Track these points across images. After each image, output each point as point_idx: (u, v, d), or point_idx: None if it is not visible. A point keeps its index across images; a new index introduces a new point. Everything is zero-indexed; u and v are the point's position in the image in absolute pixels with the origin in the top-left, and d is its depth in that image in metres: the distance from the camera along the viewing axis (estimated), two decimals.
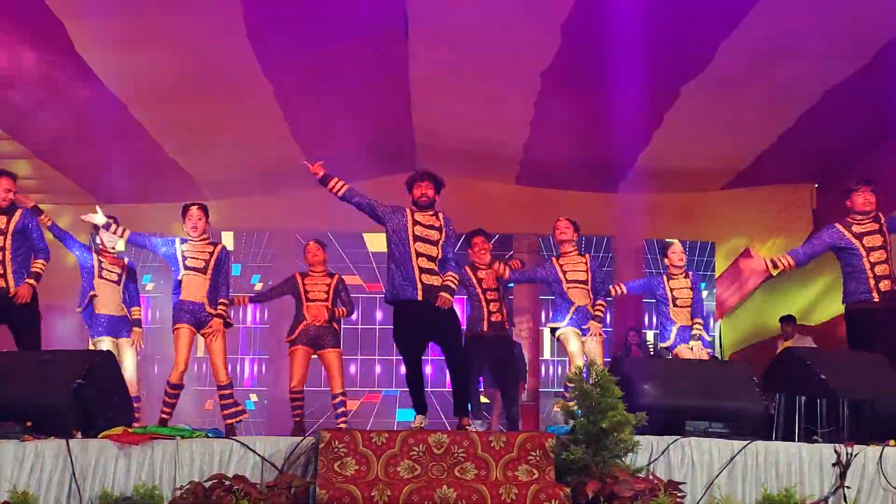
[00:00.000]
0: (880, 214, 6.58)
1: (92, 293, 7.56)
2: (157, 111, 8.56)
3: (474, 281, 7.68)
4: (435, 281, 6.32)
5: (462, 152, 10.87)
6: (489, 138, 10.26)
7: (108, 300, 7.58)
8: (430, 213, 6.48)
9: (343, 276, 8.07)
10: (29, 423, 5.29)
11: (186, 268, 6.99)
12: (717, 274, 11.22)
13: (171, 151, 9.49)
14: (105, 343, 7.47)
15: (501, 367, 7.80)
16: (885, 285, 6.46)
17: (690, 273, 7.84)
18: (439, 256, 6.39)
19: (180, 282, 7.00)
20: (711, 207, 11.26)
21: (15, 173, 6.73)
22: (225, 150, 9.76)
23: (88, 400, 5.49)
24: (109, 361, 5.96)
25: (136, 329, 7.69)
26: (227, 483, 4.85)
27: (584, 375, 5.27)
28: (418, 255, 6.33)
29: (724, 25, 7.24)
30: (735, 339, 10.98)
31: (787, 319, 10.18)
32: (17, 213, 6.63)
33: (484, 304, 7.64)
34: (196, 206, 7.07)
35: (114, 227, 7.09)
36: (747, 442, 5.23)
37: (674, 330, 7.65)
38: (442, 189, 6.52)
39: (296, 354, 7.72)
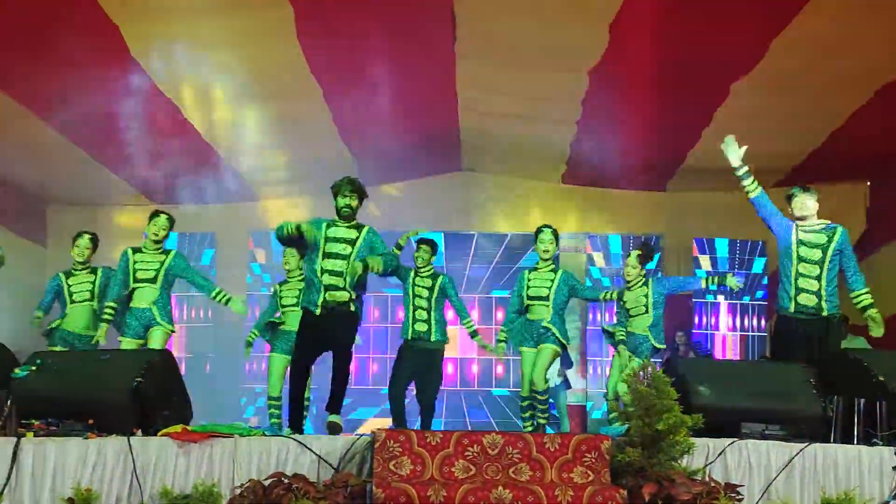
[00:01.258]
0: None
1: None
2: (208, 113, 8.65)
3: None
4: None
5: (509, 151, 10.88)
6: (536, 137, 10.25)
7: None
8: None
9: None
10: (90, 421, 5.41)
11: None
12: (768, 273, 11.10)
13: (223, 152, 9.58)
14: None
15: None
16: None
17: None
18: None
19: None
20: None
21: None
22: (273, 152, 9.84)
23: (147, 398, 5.59)
24: (168, 360, 6.05)
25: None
26: (286, 481, 4.91)
27: (640, 377, 5.26)
28: None
29: (776, 22, 7.16)
30: None
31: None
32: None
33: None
34: None
35: None
36: (805, 444, 5.19)
37: None
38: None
39: None
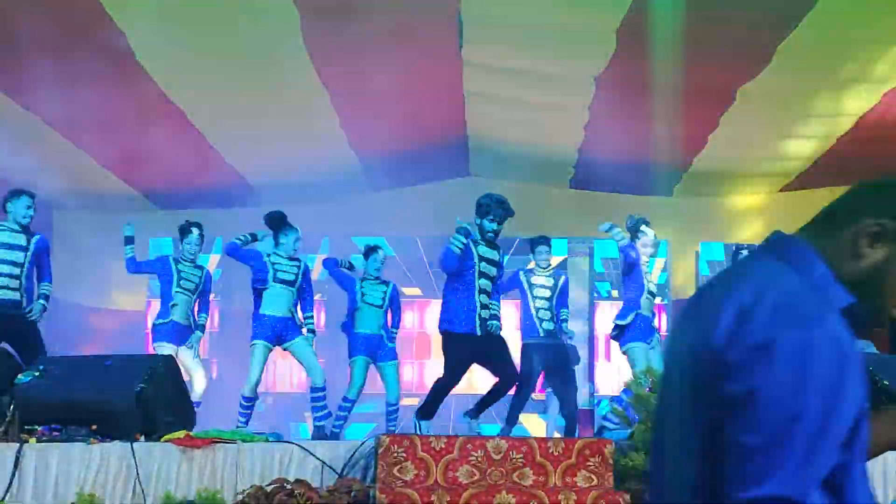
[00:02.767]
0: None
1: (172, 303, 7.78)
2: (215, 118, 8.66)
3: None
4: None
5: (516, 157, 10.87)
6: (543, 143, 10.24)
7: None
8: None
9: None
10: (94, 427, 5.41)
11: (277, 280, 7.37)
12: None
13: (229, 158, 9.60)
14: (168, 349, 7.60)
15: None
16: None
17: None
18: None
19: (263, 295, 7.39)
20: (769, 210, 11.13)
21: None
22: (282, 159, 9.86)
23: (150, 404, 5.59)
24: (170, 366, 6.06)
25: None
26: (289, 487, 4.90)
27: (642, 382, 5.25)
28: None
29: (781, 27, 7.14)
30: None
31: None
32: (36, 238, 7.11)
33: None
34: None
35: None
36: None
37: None
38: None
39: (355, 362, 7.86)
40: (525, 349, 7.94)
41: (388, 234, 10.81)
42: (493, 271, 6.79)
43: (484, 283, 6.70)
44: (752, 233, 10.98)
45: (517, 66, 8.39)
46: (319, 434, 7.17)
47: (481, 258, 6.76)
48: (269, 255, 7.49)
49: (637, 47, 7.58)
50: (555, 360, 7.92)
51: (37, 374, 5.64)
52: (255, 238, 7.62)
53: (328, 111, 8.72)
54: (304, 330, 7.60)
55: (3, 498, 4.96)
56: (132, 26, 6.86)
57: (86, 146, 8.84)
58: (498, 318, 6.80)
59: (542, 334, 7.87)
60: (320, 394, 7.38)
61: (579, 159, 10.46)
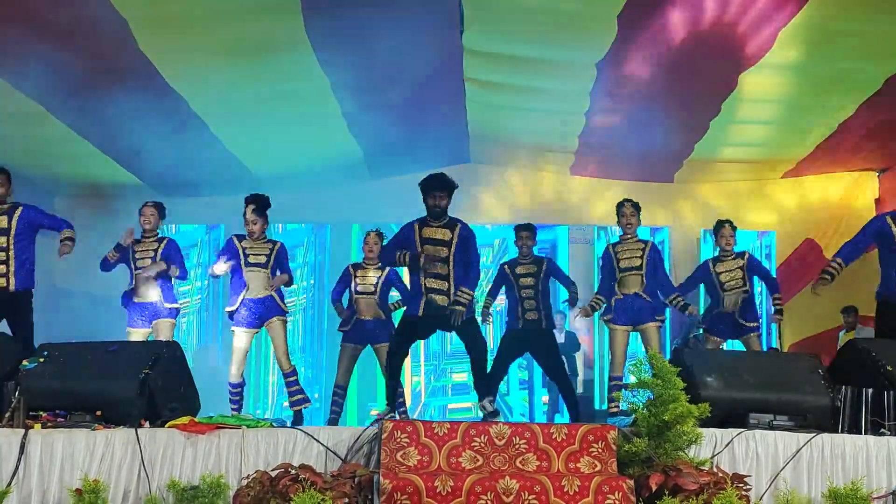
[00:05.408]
0: None
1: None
2: (217, 105, 8.65)
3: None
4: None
5: (516, 144, 10.86)
6: (544, 129, 10.24)
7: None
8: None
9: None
10: (98, 413, 5.43)
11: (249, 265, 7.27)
12: (776, 263, 11.09)
13: (230, 145, 9.59)
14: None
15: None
16: None
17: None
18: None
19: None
20: (770, 196, 11.13)
21: (8, 170, 7.08)
22: (284, 146, 9.86)
23: (155, 390, 5.61)
24: (175, 352, 6.07)
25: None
26: (293, 472, 4.92)
27: (645, 367, 5.26)
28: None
29: (783, 13, 7.13)
30: (795, 329, 10.85)
31: (849, 310, 10.04)
32: (18, 211, 7.01)
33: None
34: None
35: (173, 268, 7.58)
36: (813, 435, 5.18)
37: None
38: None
39: (345, 351, 7.89)
40: (503, 337, 8.02)
41: (389, 220, 10.80)
42: (442, 252, 6.67)
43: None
44: (753, 219, 10.99)
45: (518, 53, 8.38)
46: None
47: (424, 241, 6.70)
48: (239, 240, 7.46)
49: (638, 33, 7.58)
50: (537, 347, 7.88)
51: (41, 360, 5.66)
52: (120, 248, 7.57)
53: (329, 98, 8.70)
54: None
55: (9, 483, 4.98)
56: (134, 15, 6.84)
57: (87, 133, 8.83)
58: (455, 297, 6.56)
59: (520, 326, 7.81)
60: (291, 378, 7.43)
61: (580, 146, 10.45)
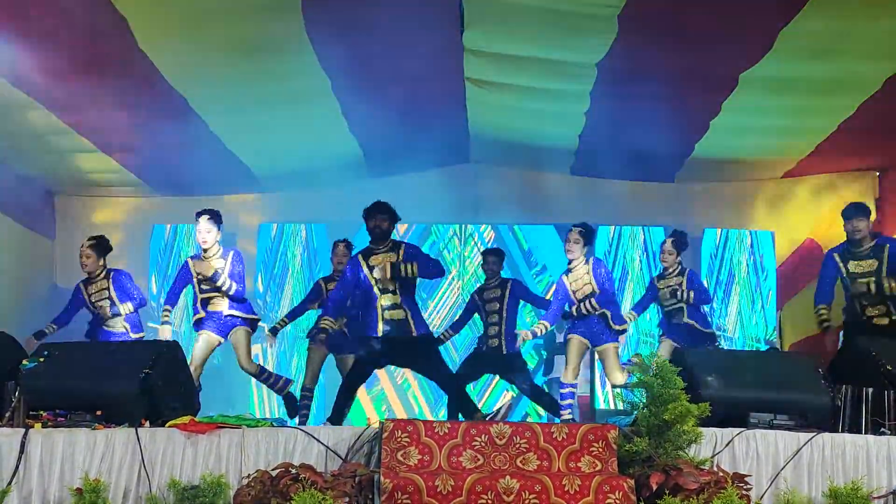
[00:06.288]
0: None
1: None
2: (216, 104, 8.65)
3: None
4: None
5: (517, 144, 10.85)
6: (544, 129, 10.23)
7: None
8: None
9: None
10: (98, 413, 5.43)
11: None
12: (777, 264, 11.08)
13: (230, 144, 9.59)
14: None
15: None
16: None
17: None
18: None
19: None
20: (771, 196, 11.12)
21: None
22: (283, 145, 9.86)
23: (155, 389, 5.61)
24: (175, 352, 6.08)
25: None
26: (294, 471, 4.93)
27: (646, 366, 5.26)
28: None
29: (784, 12, 7.13)
30: (795, 329, 10.85)
31: None
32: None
33: None
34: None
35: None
36: (813, 434, 5.19)
37: None
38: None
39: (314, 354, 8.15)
40: (467, 358, 8.49)
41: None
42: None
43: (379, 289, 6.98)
44: (754, 219, 10.99)
45: (518, 53, 8.37)
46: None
47: (372, 269, 7.03)
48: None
49: (639, 33, 7.57)
50: (496, 368, 8.37)
51: (41, 359, 5.66)
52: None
53: (329, 97, 8.70)
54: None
55: (10, 483, 4.98)
56: (134, 13, 6.84)
57: (86, 131, 8.82)
58: (412, 318, 6.93)
59: (483, 349, 8.19)
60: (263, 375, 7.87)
61: (580, 146, 10.44)
